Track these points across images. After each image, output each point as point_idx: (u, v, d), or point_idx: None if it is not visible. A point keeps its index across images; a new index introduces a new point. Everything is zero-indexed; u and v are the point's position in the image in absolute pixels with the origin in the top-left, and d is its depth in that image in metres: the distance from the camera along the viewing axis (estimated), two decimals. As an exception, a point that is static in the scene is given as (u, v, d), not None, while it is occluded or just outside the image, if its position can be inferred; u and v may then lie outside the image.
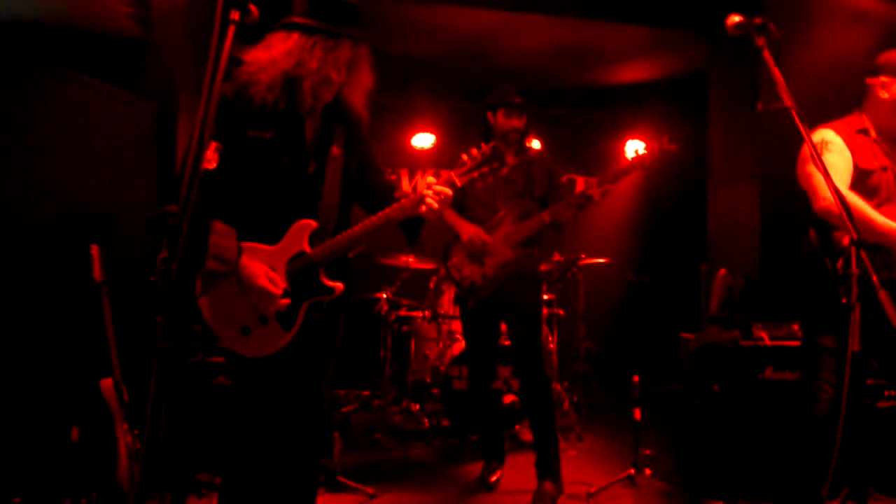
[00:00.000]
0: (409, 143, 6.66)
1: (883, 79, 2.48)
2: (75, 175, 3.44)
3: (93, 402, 2.96)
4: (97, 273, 3.04)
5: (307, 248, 2.11)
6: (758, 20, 1.96)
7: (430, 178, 2.19)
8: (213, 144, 1.93)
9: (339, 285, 2.15)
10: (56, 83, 3.40)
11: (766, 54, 1.92)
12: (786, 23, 2.02)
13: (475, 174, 2.22)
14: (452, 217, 3.55)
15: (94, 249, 3.05)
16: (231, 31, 1.80)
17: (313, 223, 2.11)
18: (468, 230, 3.44)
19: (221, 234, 2.04)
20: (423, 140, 6.65)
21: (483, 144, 2.25)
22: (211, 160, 1.92)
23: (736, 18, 2.01)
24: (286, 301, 2.07)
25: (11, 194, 3.14)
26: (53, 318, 3.16)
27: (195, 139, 1.60)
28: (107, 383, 2.97)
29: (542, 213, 3.39)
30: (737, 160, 4.54)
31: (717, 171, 4.78)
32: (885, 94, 2.47)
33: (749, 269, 4.12)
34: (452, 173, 2.22)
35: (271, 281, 2.05)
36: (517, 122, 3.53)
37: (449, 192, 2.16)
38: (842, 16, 4.31)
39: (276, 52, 2.07)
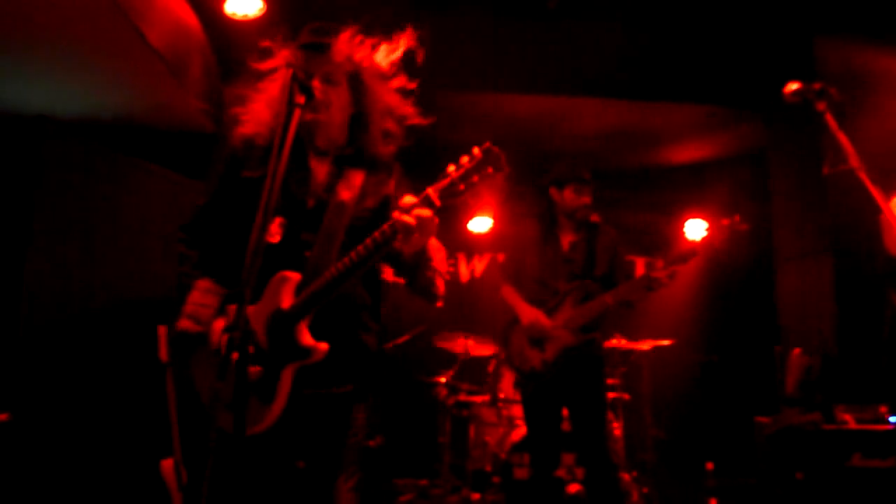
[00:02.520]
0: (466, 227, 6.72)
1: None
2: (149, 258, 3.60)
3: (152, 483, 2.96)
4: (163, 354, 3.11)
5: (283, 304, 1.81)
6: (817, 86, 1.94)
7: (409, 198, 1.73)
8: (278, 220, 1.91)
9: (320, 345, 1.77)
10: (135, 174, 3.64)
11: (829, 118, 1.89)
12: (845, 94, 2.00)
13: (461, 187, 1.70)
14: (512, 297, 3.45)
15: (161, 330, 3.14)
16: (297, 114, 1.88)
17: (295, 275, 1.83)
18: (528, 314, 3.33)
19: (203, 292, 1.86)
20: (480, 224, 6.70)
21: (475, 148, 1.72)
22: (275, 234, 1.90)
23: (794, 86, 2.01)
24: (255, 369, 1.73)
25: (86, 277, 3.30)
26: (119, 397, 3.23)
27: (259, 215, 1.60)
28: (167, 464, 2.97)
29: (604, 294, 3.26)
30: (803, 235, 4.41)
31: (784, 247, 4.64)
32: None
33: (825, 347, 3.91)
34: (429, 190, 1.72)
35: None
36: (587, 199, 3.42)
37: (427, 213, 1.71)
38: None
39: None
